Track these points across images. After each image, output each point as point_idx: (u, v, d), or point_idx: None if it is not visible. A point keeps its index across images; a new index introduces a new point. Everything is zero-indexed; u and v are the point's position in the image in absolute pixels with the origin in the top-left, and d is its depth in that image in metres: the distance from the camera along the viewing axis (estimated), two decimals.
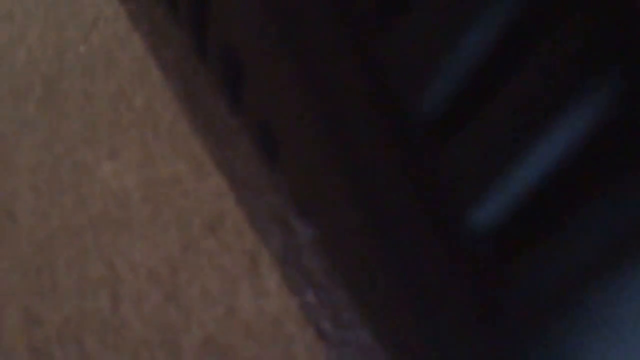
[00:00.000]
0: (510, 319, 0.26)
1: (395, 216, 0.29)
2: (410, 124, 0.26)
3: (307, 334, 0.38)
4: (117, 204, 0.41)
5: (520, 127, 0.23)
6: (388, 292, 0.31)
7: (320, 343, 0.38)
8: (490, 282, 0.25)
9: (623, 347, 0.25)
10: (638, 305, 0.24)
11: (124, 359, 0.39)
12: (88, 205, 0.41)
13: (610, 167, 0.23)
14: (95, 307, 0.40)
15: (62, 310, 0.40)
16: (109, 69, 0.43)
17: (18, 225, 0.41)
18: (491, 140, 0.24)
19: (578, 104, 0.22)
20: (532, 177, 0.24)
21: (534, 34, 0.23)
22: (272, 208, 0.41)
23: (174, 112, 0.42)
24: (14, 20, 0.45)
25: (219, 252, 0.40)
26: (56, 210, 0.41)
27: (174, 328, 0.39)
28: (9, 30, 0.45)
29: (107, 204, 0.41)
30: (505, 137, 0.23)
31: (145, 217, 0.41)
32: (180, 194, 0.41)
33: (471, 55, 0.24)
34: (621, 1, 0.21)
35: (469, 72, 0.24)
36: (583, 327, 0.25)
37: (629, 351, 0.25)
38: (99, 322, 0.39)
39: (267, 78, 0.33)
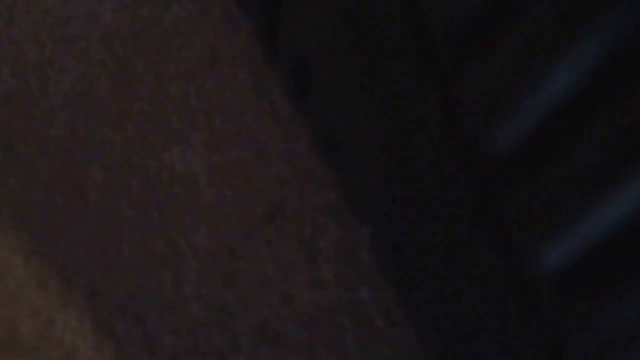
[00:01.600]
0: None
1: (459, 245, 0.30)
2: (482, 158, 0.27)
3: (359, 328, 0.41)
4: (183, 187, 0.44)
5: (599, 176, 0.24)
6: (436, 305, 0.33)
7: (372, 338, 0.40)
8: (554, 322, 0.26)
9: None
10: None
11: (182, 339, 0.41)
12: (155, 187, 0.44)
13: None
14: (157, 286, 0.42)
15: (125, 286, 0.43)
16: (181, 51, 0.46)
17: (87, 201, 0.44)
18: (568, 183, 0.24)
19: None
20: (609, 223, 0.24)
21: (623, 77, 0.23)
22: (331, 202, 0.43)
23: (242, 101, 0.44)
24: (88, 1, 0.47)
25: (278, 240, 0.43)
26: (124, 190, 0.44)
27: (231, 312, 0.42)
28: (85, 8, 0.47)
29: (173, 186, 0.44)
30: (585, 181, 0.24)
31: (209, 201, 0.43)
32: (243, 180, 0.44)
33: (554, 95, 0.24)
34: None
35: (550, 112, 0.25)
36: None
37: None
38: (160, 301, 0.42)
39: (334, 90, 0.35)
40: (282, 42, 0.40)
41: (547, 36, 0.24)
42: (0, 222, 0.44)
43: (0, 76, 0.48)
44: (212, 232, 0.43)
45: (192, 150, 0.44)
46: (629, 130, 0.23)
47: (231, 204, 0.44)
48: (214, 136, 0.45)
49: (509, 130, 0.25)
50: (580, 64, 0.23)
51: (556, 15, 0.23)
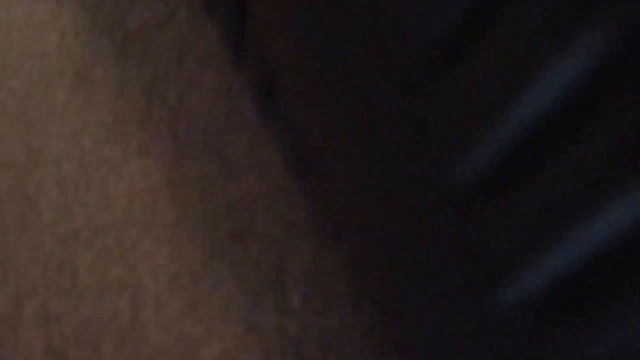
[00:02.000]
0: None
1: (431, 266, 0.28)
2: (452, 186, 0.25)
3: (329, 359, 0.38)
4: (143, 204, 0.41)
5: (571, 205, 0.23)
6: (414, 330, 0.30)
7: None
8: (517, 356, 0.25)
9: None
10: None
11: None
12: (113, 204, 0.41)
13: None
14: (114, 311, 0.40)
15: (80, 311, 0.40)
16: (144, 58, 0.43)
17: (41, 219, 0.41)
18: (537, 214, 0.23)
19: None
20: (576, 257, 0.23)
21: (596, 100, 0.22)
22: (304, 221, 0.40)
23: (209, 109, 0.41)
24: (47, 2, 0.44)
25: (245, 263, 0.40)
26: (81, 207, 0.41)
27: (193, 340, 0.39)
28: (42, 12, 0.44)
29: (133, 204, 0.41)
30: (554, 214, 0.23)
31: (171, 220, 0.41)
32: (208, 197, 0.41)
33: (527, 117, 0.23)
34: None
35: (521, 135, 0.23)
36: None
37: None
38: (117, 327, 0.40)
39: (305, 96, 0.33)
40: (250, 44, 0.37)
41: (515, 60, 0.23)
42: None
43: None
44: (173, 255, 0.41)
45: (153, 165, 0.41)
46: (603, 161, 0.22)
47: (195, 223, 0.41)
48: (177, 148, 0.42)
49: (478, 154, 0.24)
50: (557, 82, 0.22)
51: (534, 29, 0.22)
